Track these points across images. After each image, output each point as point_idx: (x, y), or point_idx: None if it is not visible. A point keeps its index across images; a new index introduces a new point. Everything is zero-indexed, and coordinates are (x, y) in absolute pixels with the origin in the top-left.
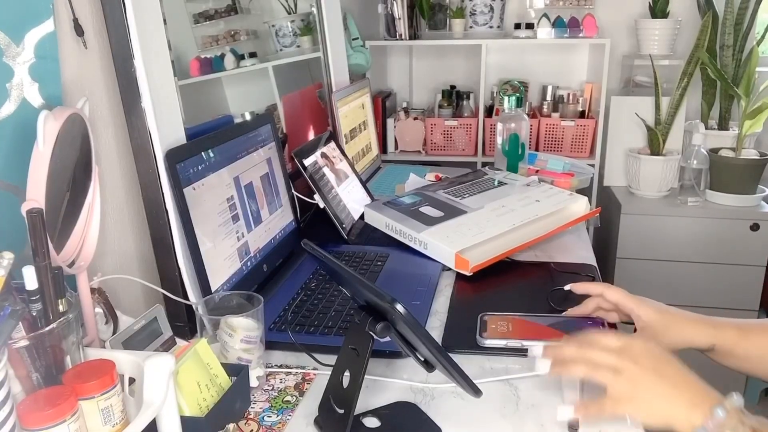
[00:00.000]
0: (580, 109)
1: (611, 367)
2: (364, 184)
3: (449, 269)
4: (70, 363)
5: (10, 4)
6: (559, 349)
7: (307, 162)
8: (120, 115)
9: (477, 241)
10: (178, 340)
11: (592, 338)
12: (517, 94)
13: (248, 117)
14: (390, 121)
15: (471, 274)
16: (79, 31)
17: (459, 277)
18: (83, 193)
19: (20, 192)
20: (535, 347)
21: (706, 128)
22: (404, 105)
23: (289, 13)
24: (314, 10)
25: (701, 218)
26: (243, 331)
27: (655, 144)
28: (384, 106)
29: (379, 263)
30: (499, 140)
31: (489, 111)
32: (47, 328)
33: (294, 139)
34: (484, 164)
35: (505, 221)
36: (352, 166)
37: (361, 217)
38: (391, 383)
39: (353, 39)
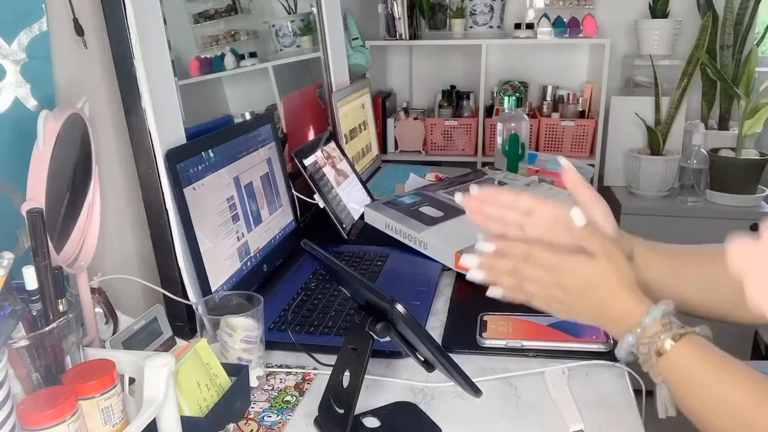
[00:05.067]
0: (580, 109)
1: (539, 285)
2: (364, 184)
3: (449, 269)
4: (70, 363)
5: (2, 4)
6: (494, 260)
7: (307, 162)
8: (120, 115)
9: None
10: (178, 340)
11: (528, 250)
12: (517, 94)
13: (248, 117)
14: (390, 121)
15: None
16: (79, 30)
17: (459, 277)
18: (83, 193)
19: (13, 191)
20: (469, 257)
21: (706, 128)
22: (404, 105)
23: (289, 13)
24: (314, 10)
25: (701, 218)
26: (243, 331)
27: (655, 144)
28: (384, 106)
29: (379, 263)
30: (499, 140)
31: (489, 111)
32: (47, 328)
33: (294, 139)
34: (484, 164)
35: None
36: (352, 166)
37: (361, 217)
38: (391, 383)
39: (353, 39)
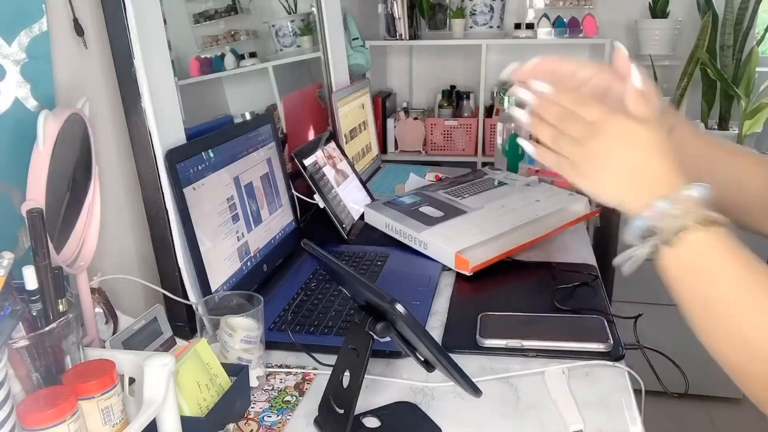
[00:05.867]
0: None
1: (574, 138)
2: (364, 184)
3: (449, 269)
4: (70, 363)
5: (2, 4)
6: (544, 106)
7: (307, 162)
8: (120, 115)
9: (477, 241)
10: (178, 340)
11: (576, 100)
12: None
13: (248, 117)
14: (390, 121)
15: (471, 274)
16: (79, 31)
17: (459, 277)
18: (83, 193)
19: (13, 190)
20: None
21: (706, 128)
22: (404, 105)
23: (289, 13)
24: (314, 10)
25: None
26: (243, 331)
27: None
28: (384, 106)
29: (379, 263)
30: (499, 140)
31: (489, 111)
32: (47, 328)
33: (294, 139)
34: (484, 164)
35: (506, 221)
36: (352, 166)
37: (361, 217)
38: (391, 383)
39: (353, 39)
